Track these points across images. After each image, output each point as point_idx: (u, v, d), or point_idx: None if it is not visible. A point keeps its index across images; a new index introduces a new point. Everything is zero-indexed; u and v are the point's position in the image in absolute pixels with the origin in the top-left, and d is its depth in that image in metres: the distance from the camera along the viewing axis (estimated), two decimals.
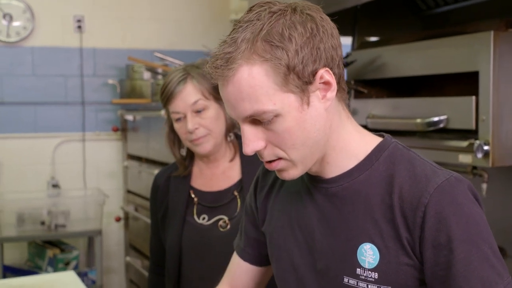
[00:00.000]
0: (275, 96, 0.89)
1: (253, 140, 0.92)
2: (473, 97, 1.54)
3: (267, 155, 0.94)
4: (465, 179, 0.92)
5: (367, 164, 0.96)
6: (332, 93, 0.92)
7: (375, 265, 0.92)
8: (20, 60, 3.52)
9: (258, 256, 1.16)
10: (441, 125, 1.65)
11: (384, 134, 1.01)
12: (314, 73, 0.90)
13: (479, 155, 1.49)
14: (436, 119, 1.65)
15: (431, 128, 1.67)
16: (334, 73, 0.92)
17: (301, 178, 1.04)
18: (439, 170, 0.93)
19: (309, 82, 0.90)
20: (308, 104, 0.91)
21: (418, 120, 1.71)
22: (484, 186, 1.64)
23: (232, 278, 1.19)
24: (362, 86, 2.12)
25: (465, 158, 1.56)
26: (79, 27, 3.60)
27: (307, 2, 0.94)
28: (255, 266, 1.17)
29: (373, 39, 2.54)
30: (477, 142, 1.49)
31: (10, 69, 3.51)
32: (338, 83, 0.94)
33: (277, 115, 0.89)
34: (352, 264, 0.94)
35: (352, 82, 2.15)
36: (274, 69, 0.88)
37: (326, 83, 0.92)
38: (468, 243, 0.87)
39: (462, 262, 0.86)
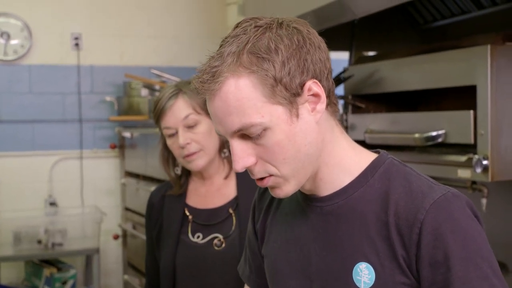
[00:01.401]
0: (263, 108, 0.87)
1: (243, 156, 0.90)
2: (471, 111, 1.52)
3: (258, 172, 0.92)
4: (463, 195, 0.90)
5: (362, 181, 0.94)
6: (321, 105, 0.91)
7: (371, 285, 0.89)
8: (17, 78, 3.52)
9: (263, 282, 1.13)
10: (440, 140, 1.63)
11: (380, 150, 1.00)
12: (302, 85, 0.89)
13: (478, 170, 1.47)
14: (434, 133, 1.63)
15: (430, 143, 1.65)
16: (323, 86, 0.91)
17: (296, 198, 1.02)
18: (435, 186, 0.90)
19: (297, 94, 0.89)
20: (297, 116, 0.89)
21: (416, 135, 1.69)
22: (484, 201, 1.61)
23: None
24: (359, 101, 2.11)
25: (464, 173, 1.54)
26: (77, 44, 3.60)
27: (293, 17, 0.94)
28: None
29: (371, 53, 2.53)
30: (476, 156, 1.47)
31: (8, 87, 3.50)
32: (328, 96, 0.93)
33: (265, 129, 0.88)
34: (347, 284, 0.92)
35: (350, 97, 2.14)
36: (261, 80, 0.87)
37: (315, 95, 0.90)
38: (466, 261, 0.84)
39: (460, 280, 0.83)
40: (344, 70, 2.23)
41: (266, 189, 1.09)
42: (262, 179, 0.92)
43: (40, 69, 3.56)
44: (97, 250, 3.24)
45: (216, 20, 3.76)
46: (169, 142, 1.57)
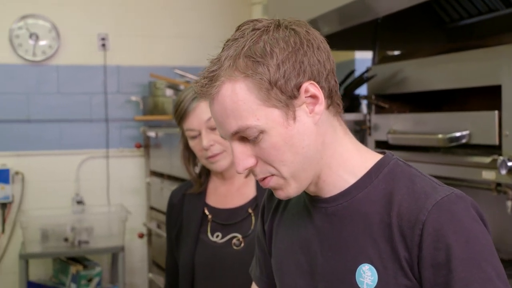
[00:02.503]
0: (258, 111, 0.88)
1: (243, 158, 0.91)
2: (496, 112, 1.49)
3: (260, 172, 0.93)
4: (467, 196, 0.89)
5: (366, 181, 0.94)
6: (319, 106, 0.91)
7: (373, 286, 0.89)
8: (45, 79, 3.58)
9: (273, 283, 1.13)
10: (464, 141, 1.60)
11: (386, 151, 0.99)
12: (298, 87, 0.89)
13: (503, 171, 1.43)
14: (458, 134, 1.61)
15: (453, 144, 1.63)
16: (321, 87, 0.91)
17: (302, 199, 1.02)
18: (439, 187, 0.89)
19: (294, 97, 0.89)
20: (294, 119, 0.89)
21: (440, 136, 1.67)
22: (509, 203, 1.57)
23: None
24: (383, 101, 2.08)
25: (488, 175, 1.51)
26: (103, 45, 3.65)
27: (294, 18, 0.94)
28: None
29: (395, 53, 2.50)
30: (501, 158, 1.44)
31: (36, 88, 3.57)
32: (330, 97, 0.93)
33: (262, 131, 0.89)
34: (350, 285, 0.91)
35: (373, 97, 2.11)
36: (256, 84, 0.88)
37: (313, 97, 0.90)
38: (468, 262, 0.82)
39: (462, 282, 0.82)
40: (367, 70, 2.21)
41: None
42: (264, 178, 0.93)
43: (68, 70, 3.62)
44: (122, 248, 3.28)
45: (241, 20, 3.71)
46: (191, 143, 1.58)
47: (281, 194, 0.94)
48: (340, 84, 2.50)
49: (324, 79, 0.91)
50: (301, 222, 1.02)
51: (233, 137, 0.91)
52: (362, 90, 2.44)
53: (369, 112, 2.14)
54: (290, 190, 0.93)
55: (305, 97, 0.90)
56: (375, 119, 2.09)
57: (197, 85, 0.91)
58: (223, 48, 0.92)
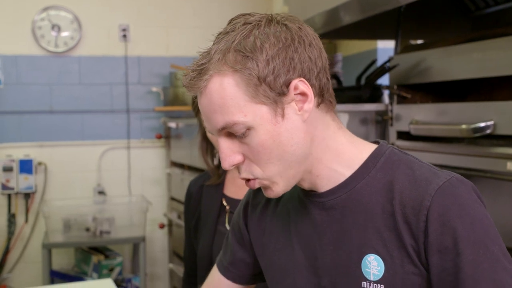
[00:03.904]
0: (246, 107, 0.86)
1: (229, 154, 0.90)
2: None
3: (244, 171, 0.91)
4: (467, 180, 0.88)
5: (364, 172, 0.93)
6: (309, 104, 0.89)
7: (380, 276, 0.88)
8: (67, 70, 3.61)
9: (241, 275, 1.13)
10: (488, 131, 1.56)
11: (380, 140, 0.97)
12: (287, 84, 0.87)
13: None
14: (482, 124, 1.57)
15: (478, 134, 1.59)
16: (312, 84, 0.89)
17: (296, 195, 1.01)
18: (439, 172, 0.89)
19: (283, 93, 0.87)
20: (282, 116, 0.88)
21: (464, 126, 1.63)
22: None
23: None
24: (405, 91, 2.05)
25: None
26: (124, 36, 3.66)
27: (287, 14, 0.92)
28: (237, 285, 1.14)
29: (418, 42, 2.45)
30: None
31: (59, 79, 3.59)
32: (321, 95, 0.91)
33: (249, 128, 0.87)
34: (357, 277, 0.90)
35: (395, 87, 2.08)
36: (244, 80, 0.86)
37: (302, 94, 0.88)
38: (476, 244, 0.82)
39: (471, 264, 0.82)
40: (389, 59, 2.17)
41: None
42: (248, 181, 0.92)
43: (89, 61, 3.64)
44: (143, 239, 3.30)
45: (261, 10, 3.71)
46: (209, 134, 1.58)
47: (270, 194, 0.93)
48: (362, 74, 2.47)
49: (315, 76, 0.89)
50: (297, 218, 1.00)
51: (220, 133, 0.90)
52: (384, 80, 2.40)
53: (391, 102, 2.11)
54: (278, 188, 0.92)
55: (294, 94, 0.88)
56: (397, 109, 2.06)
57: (185, 78, 0.90)
58: (214, 42, 0.90)
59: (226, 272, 1.14)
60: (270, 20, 0.90)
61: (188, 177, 3.14)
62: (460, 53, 1.77)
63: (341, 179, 0.93)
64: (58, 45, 3.56)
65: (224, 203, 1.60)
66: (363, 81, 2.42)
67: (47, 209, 3.25)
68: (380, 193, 0.90)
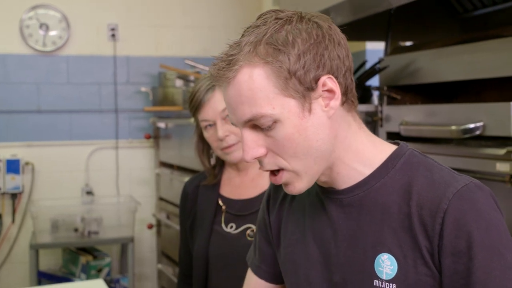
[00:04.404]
0: (275, 100, 0.87)
1: (253, 146, 0.90)
2: (511, 103, 1.47)
3: (267, 164, 0.91)
4: (485, 186, 0.89)
5: (383, 172, 0.94)
6: (336, 101, 0.90)
7: (393, 276, 0.89)
8: (56, 69, 3.58)
9: (274, 273, 1.13)
10: (477, 132, 1.58)
11: (400, 141, 0.99)
12: (316, 80, 0.88)
13: None
14: (472, 126, 1.59)
15: (467, 135, 1.61)
16: (339, 82, 0.90)
17: (314, 190, 1.02)
18: (458, 176, 0.90)
19: (311, 89, 0.88)
20: (309, 111, 0.89)
21: (453, 127, 1.65)
22: None
23: None
24: (395, 92, 2.07)
25: (503, 167, 1.49)
26: (113, 35, 3.64)
27: (317, 12, 0.94)
28: (272, 284, 1.14)
29: (408, 43, 2.47)
30: None
31: (47, 78, 3.57)
32: (345, 94, 0.92)
33: (276, 121, 0.88)
34: (369, 275, 0.91)
35: (385, 88, 2.10)
36: (275, 72, 0.87)
37: (330, 91, 0.90)
38: (489, 250, 0.83)
39: (483, 269, 0.83)
40: (380, 61, 2.19)
41: None
42: (274, 175, 0.92)
43: (78, 60, 3.62)
44: (131, 239, 3.29)
45: (251, 10, 3.75)
46: (206, 134, 1.58)
47: (292, 190, 0.93)
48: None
49: (342, 75, 0.91)
50: (313, 213, 1.01)
51: (246, 125, 0.90)
52: (374, 81, 2.42)
53: (380, 104, 2.13)
54: (301, 184, 0.92)
55: (322, 90, 0.89)
56: (387, 110, 2.08)
57: (214, 68, 0.90)
58: (243, 34, 0.91)
59: (259, 272, 1.14)
60: (301, 17, 0.91)
61: (177, 177, 3.14)
62: (449, 55, 1.79)
63: (360, 177, 0.94)
64: (46, 44, 3.54)
65: (220, 203, 1.61)
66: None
67: (35, 209, 3.22)
68: (397, 194, 0.91)
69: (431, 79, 1.88)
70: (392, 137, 2.05)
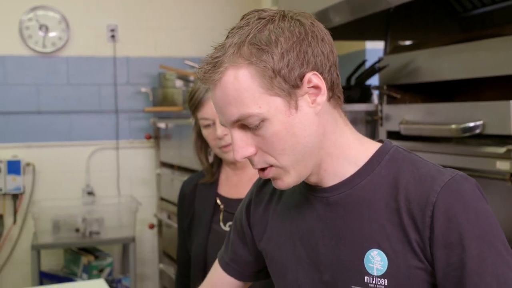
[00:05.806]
0: (261, 99, 0.88)
1: (242, 146, 0.91)
2: (510, 102, 1.48)
3: (258, 162, 0.93)
4: (471, 178, 0.91)
5: (368, 169, 0.95)
6: (322, 97, 0.91)
7: (383, 271, 0.90)
8: (55, 70, 3.59)
9: (242, 272, 1.15)
10: (477, 131, 1.59)
11: (384, 139, 1.00)
12: (301, 77, 0.90)
13: None
14: (471, 124, 1.60)
15: (467, 134, 1.62)
16: (324, 78, 0.91)
17: (299, 190, 1.02)
18: (443, 170, 0.91)
19: (297, 86, 0.89)
20: (296, 108, 0.90)
21: (453, 126, 1.66)
22: None
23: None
24: (394, 91, 2.07)
25: (503, 165, 1.50)
26: (113, 36, 3.65)
27: (299, 10, 0.95)
28: (238, 281, 1.15)
29: (407, 43, 2.48)
30: None
31: (46, 79, 3.58)
32: (331, 89, 0.93)
33: (263, 120, 0.89)
34: (359, 272, 0.92)
35: (385, 87, 2.10)
36: (260, 72, 0.88)
37: (316, 87, 0.91)
38: (480, 240, 0.85)
39: (476, 259, 0.84)
40: (379, 60, 2.20)
41: (265, 182, 1.11)
42: (263, 170, 0.93)
43: (77, 61, 3.62)
44: (133, 239, 3.29)
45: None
46: (205, 132, 1.58)
47: (280, 184, 0.94)
48: (352, 74, 2.50)
49: (327, 71, 0.92)
50: (299, 214, 1.02)
51: (234, 125, 0.91)
52: (374, 81, 2.43)
53: (380, 103, 2.13)
54: (290, 179, 0.93)
55: (308, 87, 0.90)
56: (387, 109, 2.08)
57: (200, 71, 0.91)
58: (228, 36, 0.92)
59: (228, 268, 1.15)
60: (284, 15, 0.92)
61: (178, 177, 3.14)
62: (449, 54, 1.80)
63: (346, 175, 0.95)
64: (46, 45, 3.54)
65: (218, 202, 1.61)
66: (353, 81, 2.45)
67: (36, 210, 3.23)
68: (384, 190, 0.92)
69: (430, 78, 1.88)
70: (392, 136, 2.05)
